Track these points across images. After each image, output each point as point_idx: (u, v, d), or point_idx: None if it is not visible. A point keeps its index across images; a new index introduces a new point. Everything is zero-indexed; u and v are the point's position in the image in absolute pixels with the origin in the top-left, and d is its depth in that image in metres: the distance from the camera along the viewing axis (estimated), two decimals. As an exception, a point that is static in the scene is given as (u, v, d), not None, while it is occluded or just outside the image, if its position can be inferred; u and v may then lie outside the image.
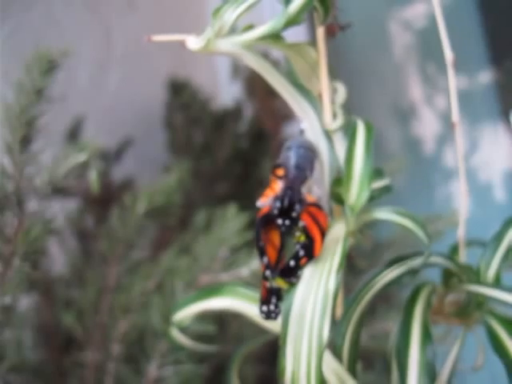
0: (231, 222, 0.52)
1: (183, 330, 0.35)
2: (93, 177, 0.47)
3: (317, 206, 0.25)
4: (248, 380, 0.55)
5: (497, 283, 0.31)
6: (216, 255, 0.50)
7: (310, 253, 0.25)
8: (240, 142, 0.78)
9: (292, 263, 0.25)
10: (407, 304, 0.29)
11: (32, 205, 0.40)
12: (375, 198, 0.30)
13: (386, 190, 0.31)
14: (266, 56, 0.29)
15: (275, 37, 0.27)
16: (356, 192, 0.28)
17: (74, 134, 0.66)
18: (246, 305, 0.31)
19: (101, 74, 0.81)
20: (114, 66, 0.82)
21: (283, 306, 0.25)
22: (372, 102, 0.89)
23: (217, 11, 0.26)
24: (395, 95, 0.89)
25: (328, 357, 0.27)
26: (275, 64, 0.29)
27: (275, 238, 0.26)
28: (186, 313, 0.33)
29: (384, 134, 0.87)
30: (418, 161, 0.85)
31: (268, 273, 0.25)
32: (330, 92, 0.31)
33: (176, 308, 0.34)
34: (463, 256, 0.32)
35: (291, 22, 0.26)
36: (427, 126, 0.85)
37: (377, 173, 0.31)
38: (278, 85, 0.28)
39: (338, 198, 0.29)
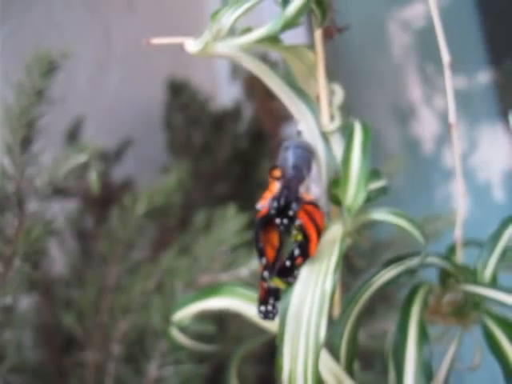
0: (231, 222, 0.52)
1: (183, 329, 0.35)
2: (93, 177, 0.47)
3: (314, 204, 0.25)
4: (247, 380, 0.55)
5: (493, 283, 0.31)
6: (215, 255, 0.50)
7: (305, 252, 0.25)
8: (239, 143, 0.78)
9: (288, 263, 0.25)
10: (404, 304, 0.29)
11: (32, 205, 0.40)
12: (372, 199, 0.30)
13: (383, 191, 0.31)
14: (264, 58, 0.29)
15: (273, 39, 0.27)
16: (353, 193, 0.28)
17: (73, 135, 0.66)
18: (244, 305, 0.31)
19: (101, 75, 0.81)
20: (114, 66, 0.82)
21: (280, 305, 0.25)
22: (371, 103, 0.89)
23: (215, 14, 0.27)
24: (394, 95, 0.89)
25: (325, 356, 0.27)
26: (274, 65, 0.29)
27: (274, 238, 0.26)
28: (185, 313, 0.33)
29: (383, 135, 0.87)
30: (417, 161, 0.85)
31: (266, 274, 0.25)
32: (328, 94, 0.31)
33: (176, 308, 0.34)
34: (460, 256, 0.32)
35: (289, 25, 0.26)
36: (426, 126, 0.85)
37: (374, 174, 0.31)
38: (275, 87, 0.28)
39: (335, 199, 0.30)
